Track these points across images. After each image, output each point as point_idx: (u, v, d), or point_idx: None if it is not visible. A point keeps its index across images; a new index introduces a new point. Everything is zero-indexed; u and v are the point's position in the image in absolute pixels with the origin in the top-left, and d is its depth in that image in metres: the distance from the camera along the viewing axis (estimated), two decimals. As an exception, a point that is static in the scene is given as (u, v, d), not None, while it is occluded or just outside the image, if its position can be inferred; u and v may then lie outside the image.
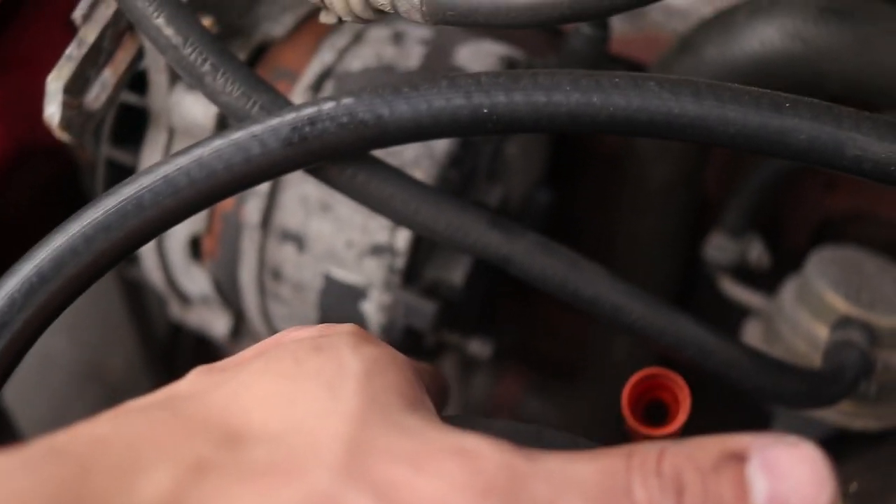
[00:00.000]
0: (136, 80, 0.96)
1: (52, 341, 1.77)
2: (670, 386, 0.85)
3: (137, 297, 1.36)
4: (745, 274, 1.19)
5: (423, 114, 0.71)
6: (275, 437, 0.55)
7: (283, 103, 0.75)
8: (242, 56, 0.96)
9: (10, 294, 0.68)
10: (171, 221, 0.72)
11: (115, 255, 0.71)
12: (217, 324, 1.08)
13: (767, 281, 1.18)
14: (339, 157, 0.74)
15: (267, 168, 0.72)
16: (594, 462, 0.55)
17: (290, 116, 0.71)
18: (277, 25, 0.98)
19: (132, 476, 0.50)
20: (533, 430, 0.65)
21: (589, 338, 1.31)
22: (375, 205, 0.77)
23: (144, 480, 0.50)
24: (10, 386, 0.72)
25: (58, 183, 1.28)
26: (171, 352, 1.54)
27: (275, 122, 0.71)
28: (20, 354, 0.70)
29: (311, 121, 0.71)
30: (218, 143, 0.71)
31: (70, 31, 1.27)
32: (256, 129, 0.71)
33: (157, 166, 0.71)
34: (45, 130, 1.18)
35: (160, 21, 0.76)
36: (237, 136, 0.72)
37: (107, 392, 1.94)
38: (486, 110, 0.71)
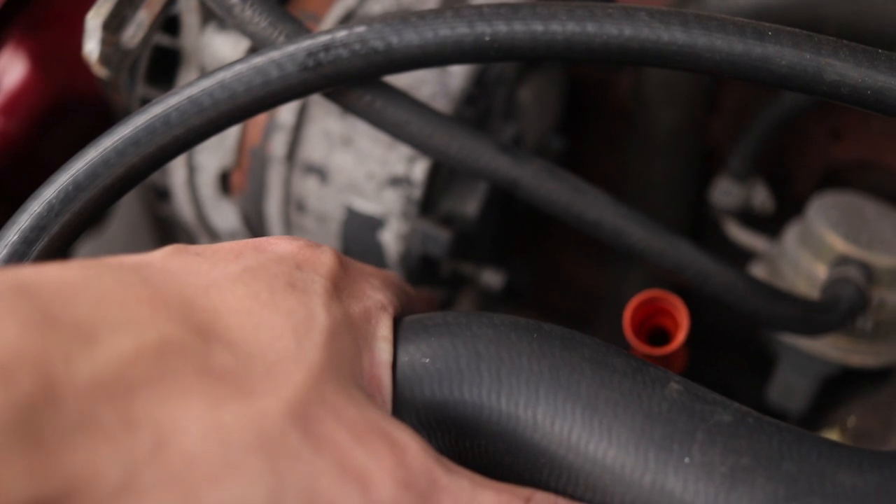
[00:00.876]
0: (169, 22, 1.02)
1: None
2: (671, 310, 0.89)
3: (168, 237, 1.41)
4: (749, 219, 1.23)
5: (429, 41, 0.77)
6: (237, 349, 0.56)
7: (306, 33, 0.81)
8: (270, 1, 1.02)
9: (48, 200, 0.74)
10: (195, 139, 0.78)
11: (145, 168, 0.77)
12: (245, 259, 1.14)
13: (772, 226, 1.22)
14: (353, 82, 0.80)
15: (284, 90, 0.78)
16: (498, 494, 0.59)
17: (306, 43, 0.77)
18: (303, -28, 1.04)
19: (94, 335, 0.50)
20: (532, 324, 0.69)
21: (600, 285, 1.35)
22: (392, 129, 0.83)
23: (106, 343, 0.50)
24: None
25: (94, 133, 1.33)
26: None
27: (292, 48, 0.77)
28: (56, 258, 0.76)
29: (326, 47, 0.77)
30: (239, 66, 0.77)
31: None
32: (275, 54, 0.77)
33: (183, 88, 0.77)
34: (81, 82, 1.24)
35: (191, -45, 0.82)
36: (257, 60, 0.77)
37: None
38: (487, 38, 0.76)
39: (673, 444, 0.62)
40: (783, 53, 0.73)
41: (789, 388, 1.19)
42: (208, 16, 0.99)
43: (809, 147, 1.23)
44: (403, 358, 0.65)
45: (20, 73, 1.25)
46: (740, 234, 1.21)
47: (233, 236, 1.12)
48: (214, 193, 1.07)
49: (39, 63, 1.26)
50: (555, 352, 0.66)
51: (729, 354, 1.37)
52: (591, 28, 0.75)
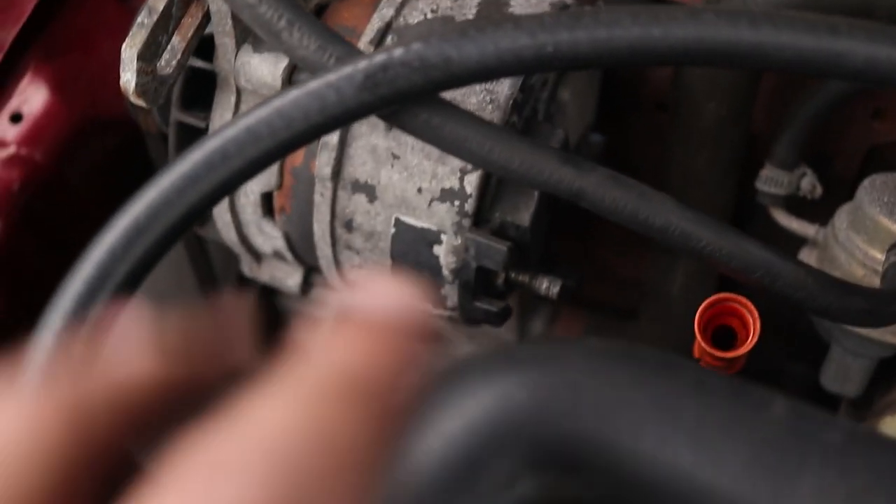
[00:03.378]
0: (202, 44, 0.99)
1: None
2: (738, 310, 0.87)
3: (205, 259, 1.39)
4: (795, 203, 1.21)
5: (489, 55, 0.74)
6: None
7: (356, 54, 0.79)
8: (304, 14, 0.99)
9: (110, 246, 0.72)
10: (254, 171, 0.76)
11: (204, 204, 0.74)
12: (289, 278, 1.12)
13: (817, 209, 1.20)
14: (411, 100, 0.78)
15: (342, 115, 0.76)
16: None
17: (362, 64, 0.75)
18: (335, -16, 1.02)
19: None
20: (628, 351, 0.67)
21: (645, 277, 1.34)
22: (450, 147, 0.80)
23: None
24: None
25: (121, 153, 1.32)
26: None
27: (348, 69, 0.75)
28: (121, 305, 0.73)
29: (384, 67, 0.74)
30: (295, 93, 0.75)
31: (121, 4, 1.30)
32: (331, 77, 0.75)
33: (238, 119, 0.75)
34: (103, 104, 1.22)
35: (235, -20, 0.79)
36: (313, 85, 0.75)
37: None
38: (550, 48, 0.74)
39: (785, 470, 0.60)
40: (856, 48, 0.71)
41: (844, 372, 1.17)
42: (243, 36, 0.96)
43: (852, 128, 1.21)
44: (500, 393, 0.63)
45: (42, 101, 1.23)
46: (790, 222, 1.19)
47: (276, 256, 1.10)
48: (257, 215, 1.05)
49: (60, 89, 1.24)
50: (655, 379, 0.63)
51: (776, 338, 1.35)
52: (656, 32, 0.73)
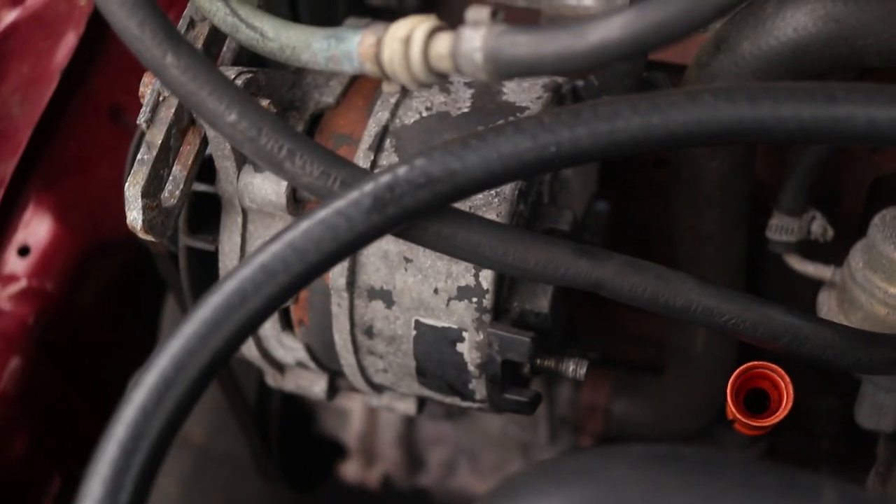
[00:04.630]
0: (203, 168, 0.99)
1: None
2: (769, 375, 0.87)
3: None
4: (808, 246, 1.21)
5: (493, 162, 0.75)
6: None
7: (360, 175, 0.79)
8: (300, 127, 1.00)
9: (141, 405, 0.71)
10: (273, 307, 0.75)
11: (229, 348, 0.74)
12: (315, 386, 1.12)
13: (831, 248, 1.20)
14: (420, 216, 0.78)
15: (354, 240, 0.76)
16: None
17: (369, 187, 0.75)
18: (328, 93, 1.02)
19: None
20: (671, 453, 0.66)
21: (667, 335, 1.33)
22: (465, 254, 0.80)
23: None
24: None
25: (129, 272, 1.32)
26: (261, 412, 1.57)
27: (355, 195, 0.75)
28: (159, 464, 0.73)
29: (390, 188, 0.75)
30: (306, 224, 0.75)
31: (114, 121, 1.31)
32: (340, 204, 0.75)
33: (252, 257, 0.75)
34: (107, 225, 1.23)
35: (233, 117, 0.79)
36: (322, 214, 0.75)
37: (195, 456, 1.98)
38: (553, 149, 0.74)
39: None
40: (857, 112, 0.71)
41: (878, 408, 1.17)
42: (243, 157, 0.96)
43: (853, 164, 1.21)
44: None
45: (47, 230, 1.24)
46: (805, 267, 1.18)
47: (300, 365, 1.10)
48: (276, 330, 1.05)
49: (63, 216, 1.25)
50: (701, 480, 0.63)
51: (806, 373, 1.35)
52: (656, 119, 0.73)
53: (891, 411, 1.16)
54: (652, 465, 0.64)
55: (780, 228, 1.17)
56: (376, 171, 0.87)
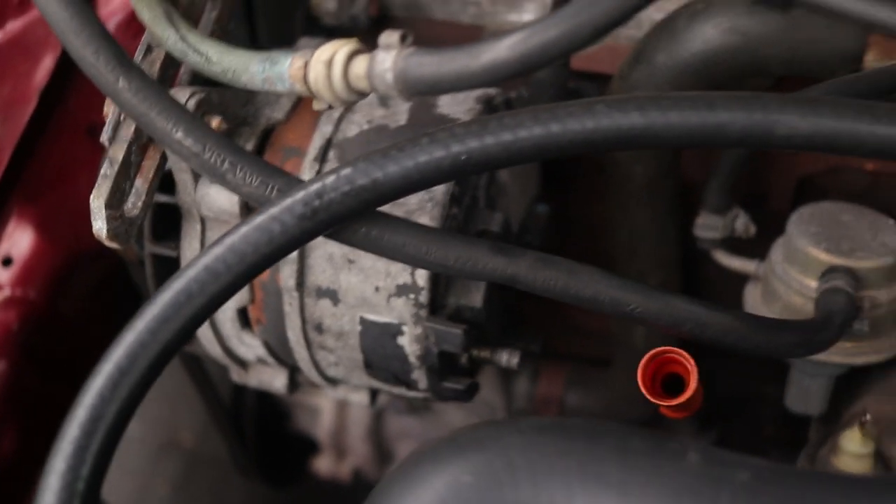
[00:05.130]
0: (164, 179, 1.07)
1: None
2: (678, 360, 0.95)
3: (200, 368, 1.47)
4: (737, 243, 1.28)
5: (411, 170, 0.82)
6: None
7: (295, 183, 0.87)
8: (252, 142, 1.09)
9: (98, 391, 0.80)
10: (217, 304, 0.84)
11: (178, 340, 0.83)
12: (275, 380, 1.21)
13: (760, 243, 1.27)
14: (348, 220, 0.86)
15: (288, 243, 0.84)
16: None
17: (300, 194, 0.83)
18: (278, 109, 1.11)
19: None
20: (556, 424, 0.75)
21: (612, 330, 1.41)
22: (392, 254, 0.88)
23: None
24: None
25: (108, 281, 1.39)
26: (237, 411, 1.65)
27: (287, 202, 0.83)
28: (115, 442, 0.82)
29: (318, 194, 0.83)
30: (244, 229, 0.83)
31: (92, 137, 1.38)
32: (274, 210, 0.83)
33: (197, 259, 0.83)
34: (87, 237, 1.30)
35: (179, 135, 0.88)
36: (259, 220, 0.83)
37: (185, 459, 2.05)
38: (464, 157, 0.81)
39: (701, 510, 0.68)
40: (735, 118, 0.78)
41: (804, 393, 1.24)
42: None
43: (778, 164, 1.28)
44: (448, 479, 0.71)
45: (29, 242, 1.31)
46: (731, 262, 1.26)
47: (260, 362, 1.18)
48: (235, 329, 1.13)
49: (45, 228, 1.32)
50: (580, 446, 0.71)
51: (748, 364, 1.42)
52: (555, 128, 0.80)
53: (816, 395, 1.23)
54: (539, 434, 0.72)
55: (707, 226, 1.25)
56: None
